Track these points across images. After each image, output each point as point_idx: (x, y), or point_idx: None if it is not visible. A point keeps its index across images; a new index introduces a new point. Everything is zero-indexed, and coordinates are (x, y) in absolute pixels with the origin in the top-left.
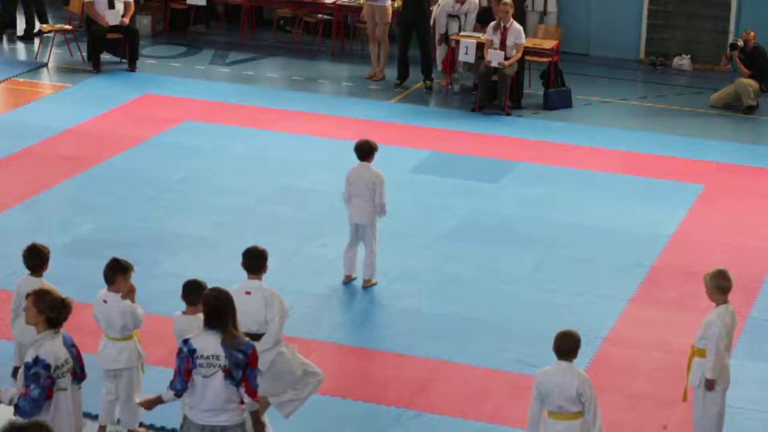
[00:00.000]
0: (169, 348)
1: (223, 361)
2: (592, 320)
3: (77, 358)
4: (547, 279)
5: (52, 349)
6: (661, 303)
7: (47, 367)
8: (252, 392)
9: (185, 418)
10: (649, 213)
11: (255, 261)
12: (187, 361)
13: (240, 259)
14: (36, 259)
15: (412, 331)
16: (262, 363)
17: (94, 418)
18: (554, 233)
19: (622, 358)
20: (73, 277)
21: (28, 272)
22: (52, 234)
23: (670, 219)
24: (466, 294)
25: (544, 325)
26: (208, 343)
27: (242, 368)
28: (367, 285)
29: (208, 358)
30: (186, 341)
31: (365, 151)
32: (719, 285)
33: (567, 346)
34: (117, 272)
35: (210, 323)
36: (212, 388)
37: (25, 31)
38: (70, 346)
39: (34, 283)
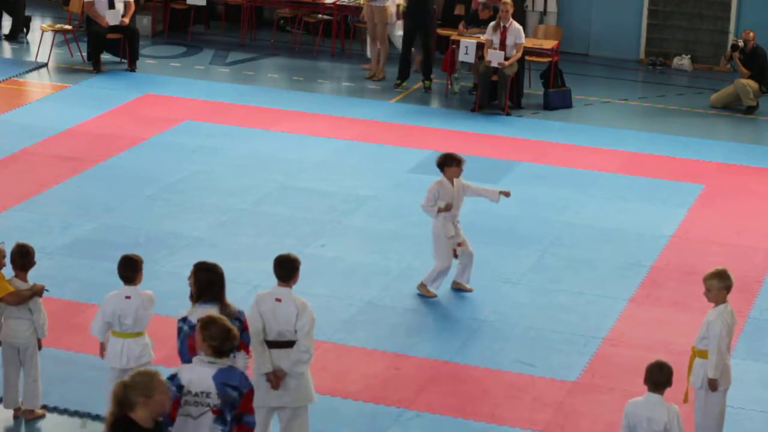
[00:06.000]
0: (170, 348)
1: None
2: (592, 320)
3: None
4: (547, 279)
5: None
6: (661, 303)
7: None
8: None
9: None
10: (649, 213)
11: (286, 269)
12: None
13: (240, 259)
14: (25, 258)
15: (412, 331)
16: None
17: None
18: (554, 233)
19: (622, 358)
20: (73, 277)
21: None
22: (52, 234)
23: (670, 219)
24: (466, 294)
25: (544, 325)
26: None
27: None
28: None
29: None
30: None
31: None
32: (721, 285)
33: (659, 378)
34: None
35: (204, 297)
36: None
37: (11, 30)
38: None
39: (19, 286)
